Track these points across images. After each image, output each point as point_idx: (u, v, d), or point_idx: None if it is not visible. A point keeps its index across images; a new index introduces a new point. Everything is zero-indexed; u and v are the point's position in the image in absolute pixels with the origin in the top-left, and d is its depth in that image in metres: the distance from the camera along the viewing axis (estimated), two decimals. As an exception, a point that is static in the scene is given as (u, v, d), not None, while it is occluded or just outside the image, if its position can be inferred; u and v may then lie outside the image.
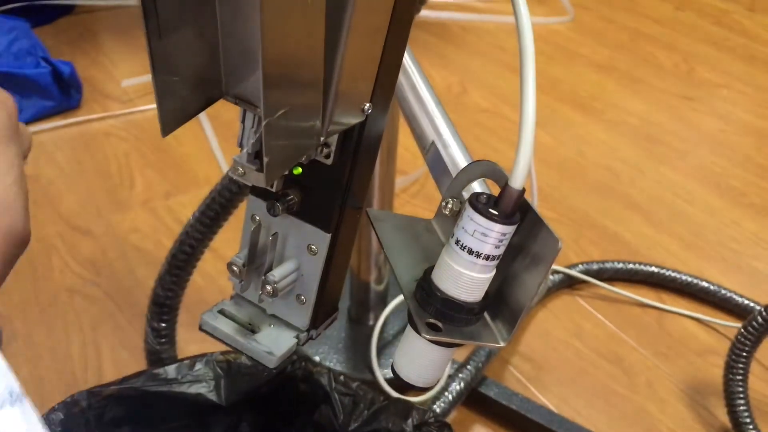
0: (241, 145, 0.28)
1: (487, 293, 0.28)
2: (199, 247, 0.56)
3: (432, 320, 0.27)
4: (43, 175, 1.07)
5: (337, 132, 0.28)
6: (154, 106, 0.25)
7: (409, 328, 0.29)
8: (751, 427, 0.75)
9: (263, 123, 0.21)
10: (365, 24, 0.24)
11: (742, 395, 0.76)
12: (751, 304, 0.91)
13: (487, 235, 0.26)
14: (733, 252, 1.02)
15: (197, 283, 0.88)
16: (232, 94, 0.26)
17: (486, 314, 0.29)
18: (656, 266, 0.96)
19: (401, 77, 0.38)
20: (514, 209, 0.26)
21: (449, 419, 0.77)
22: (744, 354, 0.75)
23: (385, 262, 0.79)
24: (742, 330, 0.76)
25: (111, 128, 1.19)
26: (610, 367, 0.85)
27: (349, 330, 0.82)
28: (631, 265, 0.96)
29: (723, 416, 0.78)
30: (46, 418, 0.45)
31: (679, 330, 0.90)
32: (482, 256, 0.26)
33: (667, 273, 0.95)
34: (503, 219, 0.26)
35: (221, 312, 0.34)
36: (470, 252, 0.26)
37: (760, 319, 0.74)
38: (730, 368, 0.76)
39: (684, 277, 0.94)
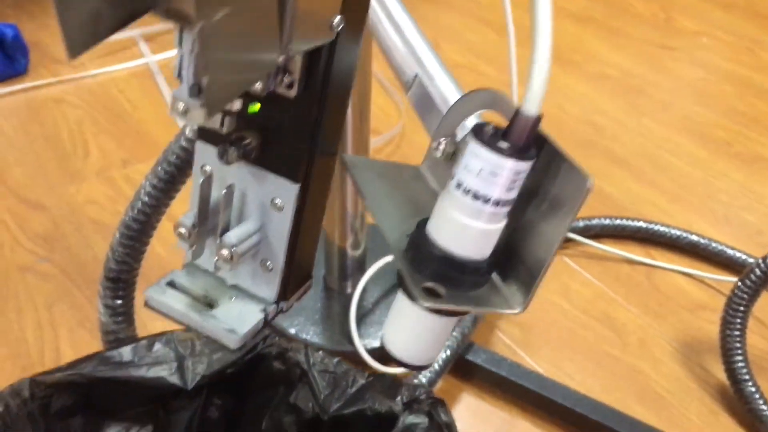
0: (179, 76, 0.22)
1: (494, 249, 0.23)
2: (154, 215, 0.50)
3: (430, 284, 0.22)
4: (-11, 147, 0.99)
5: (300, 51, 0.22)
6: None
7: (400, 296, 0.24)
8: (750, 383, 0.71)
9: (197, 27, 0.16)
10: None
11: (740, 351, 0.73)
12: (743, 257, 0.88)
13: (497, 174, 0.20)
14: (722, 204, 0.99)
15: (159, 254, 0.82)
16: (161, 8, 0.20)
17: (494, 275, 0.24)
18: (644, 221, 0.92)
19: (374, 2, 0.32)
20: (528, 141, 0.21)
21: (436, 389, 0.72)
22: (741, 309, 0.72)
23: (362, 226, 0.74)
24: (740, 284, 0.72)
25: (61, 94, 1.11)
26: (601, 328, 0.81)
27: (326, 300, 0.77)
28: (618, 221, 0.92)
29: (719, 373, 0.75)
30: (-18, 413, 0.39)
31: (670, 286, 0.87)
32: (491, 201, 0.21)
33: (656, 227, 0.91)
34: (517, 153, 0.20)
35: (171, 284, 0.28)
36: (476, 197, 0.21)
37: (758, 272, 0.71)
38: (727, 324, 0.73)
39: (673, 232, 0.91)
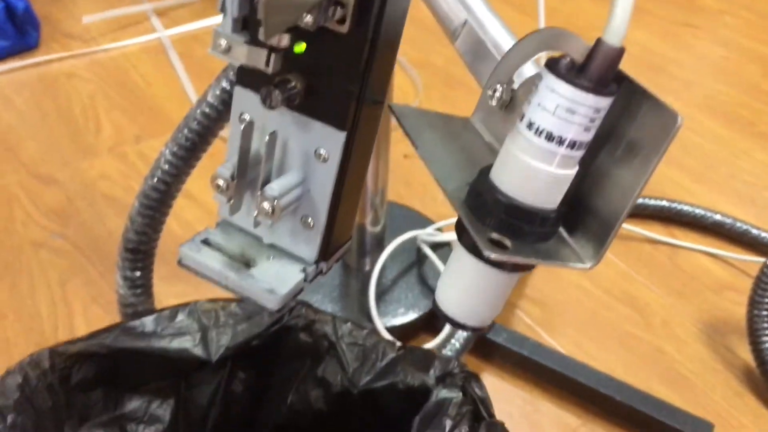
0: (223, 8, 0.20)
1: (562, 199, 0.21)
2: (174, 183, 0.49)
3: (495, 235, 0.20)
4: (1, 121, 0.97)
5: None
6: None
7: (457, 250, 0.22)
8: (779, 365, 0.70)
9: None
10: None
11: (767, 330, 0.71)
12: (766, 236, 0.86)
13: (576, 111, 0.19)
14: (746, 184, 0.97)
15: (174, 231, 0.81)
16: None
17: (561, 228, 0.22)
18: (667, 200, 0.90)
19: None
20: (608, 75, 0.19)
21: (457, 368, 0.71)
22: (770, 288, 0.70)
23: (382, 202, 0.72)
24: (768, 263, 0.70)
25: (73, 69, 1.09)
26: (623, 308, 0.80)
27: (344, 277, 0.76)
28: (640, 200, 0.90)
29: (745, 354, 0.73)
30: (1, 383, 0.38)
31: (694, 266, 0.85)
32: (566, 142, 0.19)
33: (679, 207, 0.89)
34: (598, 87, 0.18)
35: (205, 242, 0.26)
36: (550, 137, 0.19)
37: (789, 251, 0.69)
38: (754, 304, 0.71)
39: (697, 211, 0.89)
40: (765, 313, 0.71)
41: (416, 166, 0.94)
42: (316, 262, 0.27)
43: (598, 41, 0.19)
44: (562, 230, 0.22)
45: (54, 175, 0.89)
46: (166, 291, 0.74)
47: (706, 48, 1.26)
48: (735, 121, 1.08)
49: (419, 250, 0.78)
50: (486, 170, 0.21)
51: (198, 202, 0.85)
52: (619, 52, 0.19)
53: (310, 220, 0.26)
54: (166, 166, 0.49)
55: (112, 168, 0.91)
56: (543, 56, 0.24)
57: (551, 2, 1.35)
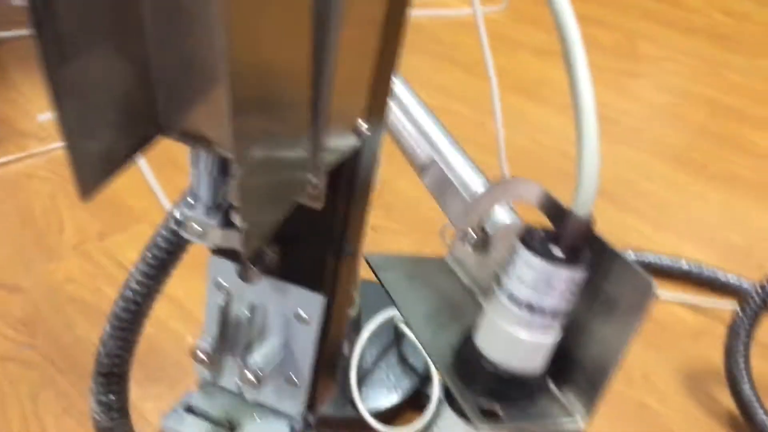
0: (194, 197, 0.21)
1: (544, 353, 0.22)
2: (145, 303, 0.48)
3: (486, 404, 0.20)
4: (-42, 230, 0.95)
5: (330, 164, 0.20)
6: None
7: (450, 414, 0.22)
8: (761, 411, 0.71)
9: (238, 174, 0.14)
10: (360, 13, 0.17)
11: (746, 379, 0.72)
12: (736, 281, 0.88)
13: (554, 284, 0.19)
14: (706, 227, 0.99)
15: (148, 334, 0.79)
16: (176, 129, 0.19)
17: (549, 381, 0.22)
18: (633, 251, 0.92)
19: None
20: (582, 243, 0.19)
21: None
22: (743, 336, 0.72)
23: (356, 284, 0.72)
24: (739, 311, 0.72)
25: (31, 169, 1.08)
26: (603, 365, 0.80)
27: (324, 364, 0.75)
28: (608, 254, 0.91)
29: (727, 401, 0.74)
30: None
31: (667, 316, 0.86)
32: (548, 311, 0.19)
33: (646, 258, 0.91)
34: (572, 258, 0.19)
35: (189, 410, 0.26)
36: (531, 309, 0.20)
37: (757, 299, 0.71)
38: (730, 353, 0.72)
39: (664, 261, 0.90)
40: (741, 360, 0.72)
41: (384, 238, 0.94)
42: (303, 417, 0.27)
43: (570, 214, 0.19)
44: (550, 383, 0.22)
45: (19, 283, 0.87)
46: (143, 394, 0.73)
47: (652, 95, 1.30)
48: (687, 165, 1.11)
49: (396, 328, 0.78)
50: (470, 334, 0.22)
51: (168, 296, 0.84)
52: (589, 223, 0.19)
53: (293, 377, 0.26)
54: (136, 287, 0.48)
55: (78, 269, 0.90)
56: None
57: (498, 61, 1.38)
